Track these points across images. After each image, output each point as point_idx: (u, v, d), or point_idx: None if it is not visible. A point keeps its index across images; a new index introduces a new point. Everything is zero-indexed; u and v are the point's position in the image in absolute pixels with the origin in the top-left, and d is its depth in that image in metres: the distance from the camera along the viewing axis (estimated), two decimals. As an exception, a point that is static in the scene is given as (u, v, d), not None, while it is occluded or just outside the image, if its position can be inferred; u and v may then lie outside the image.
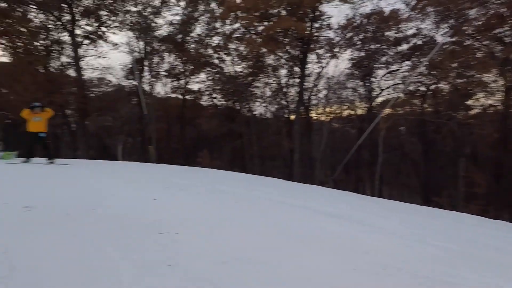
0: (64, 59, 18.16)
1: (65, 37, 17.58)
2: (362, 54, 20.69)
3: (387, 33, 20.06)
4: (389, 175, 21.76)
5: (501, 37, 15.15)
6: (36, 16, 16.83)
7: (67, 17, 16.92)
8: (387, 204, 6.79)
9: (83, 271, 1.55)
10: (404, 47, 20.09)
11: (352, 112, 22.31)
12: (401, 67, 20.55)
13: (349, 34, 20.07)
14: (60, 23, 17.06)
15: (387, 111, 20.25)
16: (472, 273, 2.18)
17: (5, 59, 17.42)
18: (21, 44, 16.80)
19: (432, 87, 20.53)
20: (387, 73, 21.12)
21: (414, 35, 19.63)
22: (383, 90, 21.17)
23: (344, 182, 20.30)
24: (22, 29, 16.34)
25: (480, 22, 14.85)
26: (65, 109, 18.45)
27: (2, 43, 16.69)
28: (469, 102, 18.54)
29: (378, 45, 20.29)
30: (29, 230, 2.07)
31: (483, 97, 17.97)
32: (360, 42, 20.48)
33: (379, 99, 21.28)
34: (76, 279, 1.45)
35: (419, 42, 19.39)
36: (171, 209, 3.21)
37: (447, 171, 19.02)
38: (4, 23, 16.02)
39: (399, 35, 19.97)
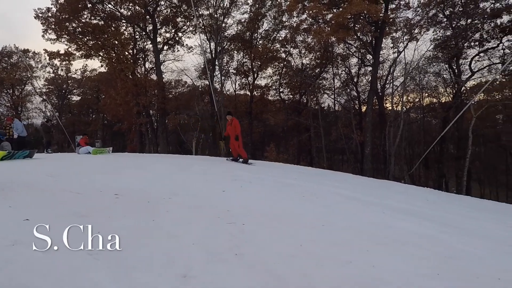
0: (147, 65, 23.72)
1: (149, 45, 22.96)
2: (448, 32, 21.10)
3: (482, 4, 20.03)
4: (480, 170, 22.20)
5: None
6: (125, 29, 22.42)
7: (150, 27, 22.09)
8: (478, 203, 6.63)
9: (160, 253, 2.00)
10: (504, 18, 19.82)
11: (434, 100, 23.07)
12: (500, 43, 20.39)
13: (432, 12, 20.75)
14: (145, 33, 22.37)
15: (479, 97, 20.55)
16: None
17: (103, 69, 23.77)
18: (114, 55, 22.60)
19: (544, 64, 19.94)
20: (481, 52, 21.14)
21: (519, 3, 19.27)
22: (474, 72, 21.32)
23: (423, 178, 21.68)
24: (115, 41, 21.98)
25: None
26: (149, 110, 24.10)
27: (100, 55, 22.74)
28: None
29: (469, 20, 20.45)
30: (119, 214, 2.78)
31: None
32: (446, 19, 20.94)
33: (469, 84, 21.56)
34: (157, 258, 1.93)
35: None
36: (239, 201, 3.77)
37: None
38: (102, 38, 21.84)
39: (498, 5, 19.79)
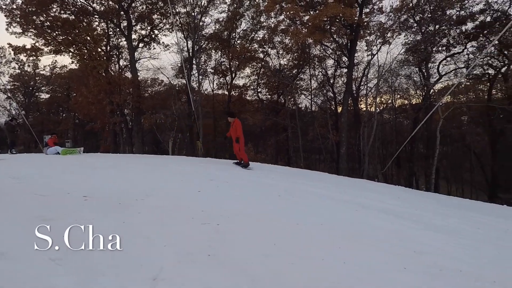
0: (122, 62, 22.97)
1: (123, 42, 22.23)
2: (418, 37, 22.02)
3: (448, 11, 21.07)
4: (447, 169, 23.39)
5: None
6: (98, 25, 21.57)
7: (124, 23, 21.39)
8: (445, 200, 6.96)
9: (129, 256, 1.94)
10: (469, 26, 20.92)
11: (406, 102, 24.06)
12: (465, 48, 21.52)
13: (404, 17, 21.60)
14: (119, 29, 21.64)
15: (446, 99, 21.62)
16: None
17: (73, 66, 22.73)
18: (86, 51, 21.67)
19: (503, 69, 21.24)
20: (448, 56, 22.25)
21: (482, 12, 20.42)
22: (442, 76, 22.40)
23: (395, 177, 22.55)
24: (87, 37, 21.09)
25: None
26: (123, 108, 23.33)
27: (71, 51, 21.73)
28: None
29: (437, 26, 21.45)
30: (86, 217, 2.58)
31: None
32: (416, 25, 21.86)
33: (437, 86, 22.64)
34: (125, 261, 1.88)
35: (488, 19, 20.15)
36: (215, 201, 3.76)
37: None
38: (72, 33, 20.88)
39: (463, 12, 20.85)
